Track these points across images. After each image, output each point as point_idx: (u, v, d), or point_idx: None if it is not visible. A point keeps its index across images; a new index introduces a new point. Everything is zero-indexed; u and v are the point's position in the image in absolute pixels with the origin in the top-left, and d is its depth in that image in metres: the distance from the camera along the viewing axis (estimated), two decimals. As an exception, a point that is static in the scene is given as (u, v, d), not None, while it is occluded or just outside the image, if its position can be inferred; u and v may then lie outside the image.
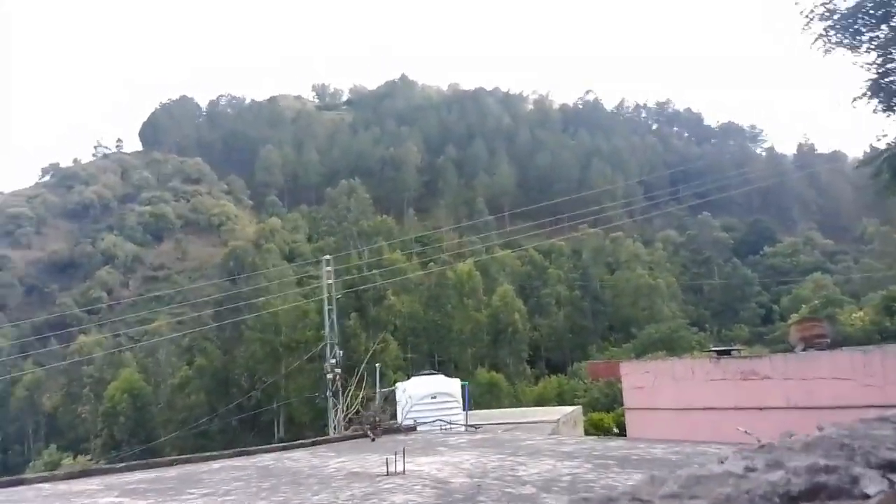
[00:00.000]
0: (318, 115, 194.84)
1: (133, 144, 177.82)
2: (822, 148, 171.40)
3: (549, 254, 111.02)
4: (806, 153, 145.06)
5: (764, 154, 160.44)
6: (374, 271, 67.73)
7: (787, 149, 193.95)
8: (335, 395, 21.52)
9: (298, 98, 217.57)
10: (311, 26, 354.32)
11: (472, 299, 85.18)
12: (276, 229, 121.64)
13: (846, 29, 14.24)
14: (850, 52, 14.54)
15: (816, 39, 14.62)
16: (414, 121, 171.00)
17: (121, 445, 60.14)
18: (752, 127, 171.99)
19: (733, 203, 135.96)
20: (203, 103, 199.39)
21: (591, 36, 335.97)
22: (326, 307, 26.48)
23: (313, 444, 12.69)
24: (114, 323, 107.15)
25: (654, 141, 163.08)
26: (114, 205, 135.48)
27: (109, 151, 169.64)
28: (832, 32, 14.50)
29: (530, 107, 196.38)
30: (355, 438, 13.13)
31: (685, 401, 12.34)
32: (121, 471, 9.21)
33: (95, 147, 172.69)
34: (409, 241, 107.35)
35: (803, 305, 54.04)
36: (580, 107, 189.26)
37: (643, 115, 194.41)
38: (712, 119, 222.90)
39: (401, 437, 12.82)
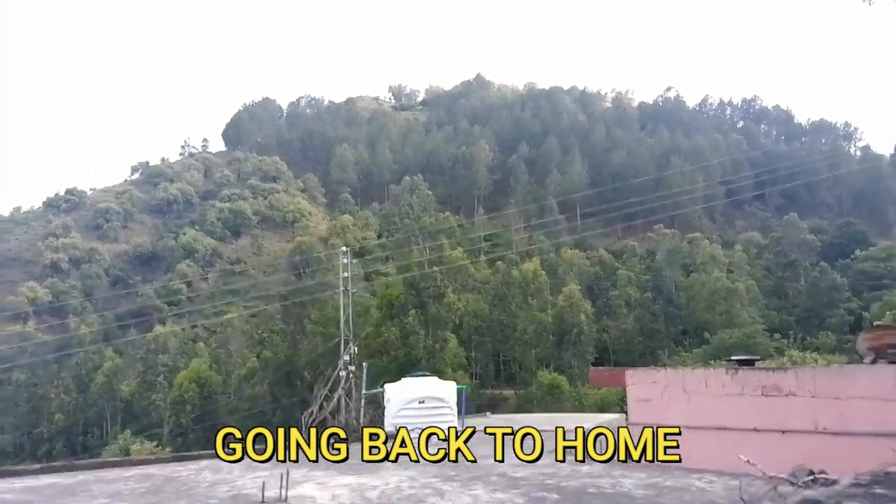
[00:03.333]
0: (394, 115, 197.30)
1: (218, 144, 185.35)
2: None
3: (621, 255, 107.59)
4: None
5: (858, 153, 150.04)
6: (434, 268, 67.03)
7: (885, 148, 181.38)
8: (348, 393, 20.74)
9: (376, 99, 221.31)
10: (390, 26, 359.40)
11: (537, 299, 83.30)
12: (346, 226, 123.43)
13: None
14: None
15: None
16: (487, 120, 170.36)
17: (187, 433, 61.97)
18: (847, 125, 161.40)
19: (823, 205, 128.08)
20: (284, 104, 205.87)
21: (673, 33, 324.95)
22: (342, 301, 25.75)
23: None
24: (191, 314, 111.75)
25: (738, 139, 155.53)
26: (196, 201, 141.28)
27: (195, 151, 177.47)
28: None
29: (608, 105, 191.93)
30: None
31: (696, 418, 10.76)
32: (37, 472, 8.81)
33: (182, 147, 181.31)
34: (476, 238, 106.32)
35: (888, 312, 49.38)
36: (660, 104, 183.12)
37: (728, 112, 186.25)
38: (803, 116, 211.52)
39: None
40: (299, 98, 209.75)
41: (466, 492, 6.58)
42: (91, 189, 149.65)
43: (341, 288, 26.49)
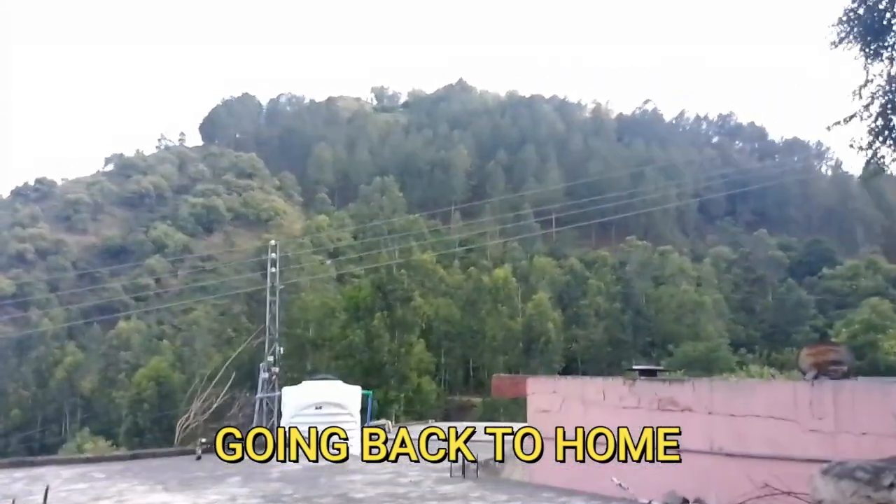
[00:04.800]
0: (374, 116, 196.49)
1: (196, 139, 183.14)
2: (894, 168, 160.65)
3: (593, 264, 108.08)
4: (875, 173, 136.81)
5: (829, 173, 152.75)
6: (401, 271, 66.61)
7: (855, 168, 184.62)
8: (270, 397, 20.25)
9: (357, 100, 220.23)
10: (375, 26, 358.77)
11: (506, 306, 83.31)
12: (322, 226, 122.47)
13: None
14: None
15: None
16: (467, 125, 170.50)
17: (144, 433, 60.67)
18: (819, 144, 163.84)
19: (792, 222, 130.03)
20: (264, 101, 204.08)
21: (652, 46, 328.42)
22: (269, 298, 25.30)
23: (132, 457, 11.52)
24: (159, 311, 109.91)
25: (713, 154, 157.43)
26: (169, 195, 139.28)
27: (171, 144, 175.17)
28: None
29: (587, 115, 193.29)
30: (184, 455, 11.86)
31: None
32: None
33: (159, 140, 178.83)
34: (450, 243, 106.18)
35: (843, 329, 50.16)
36: (637, 116, 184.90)
37: (703, 127, 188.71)
38: (777, 134, 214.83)
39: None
40: (279, 95, 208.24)
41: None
42: (62, 179, 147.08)
43: (268, 285, 25.97)
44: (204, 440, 12.14)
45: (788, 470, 7.81)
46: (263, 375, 21.59)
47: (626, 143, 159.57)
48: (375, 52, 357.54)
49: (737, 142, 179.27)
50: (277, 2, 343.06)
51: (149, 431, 59.09)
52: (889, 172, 12.30)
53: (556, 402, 11.03)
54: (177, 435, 14.04)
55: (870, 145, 11.96)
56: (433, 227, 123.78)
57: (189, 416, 13.97)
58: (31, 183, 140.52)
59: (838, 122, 12.11)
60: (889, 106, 11.39)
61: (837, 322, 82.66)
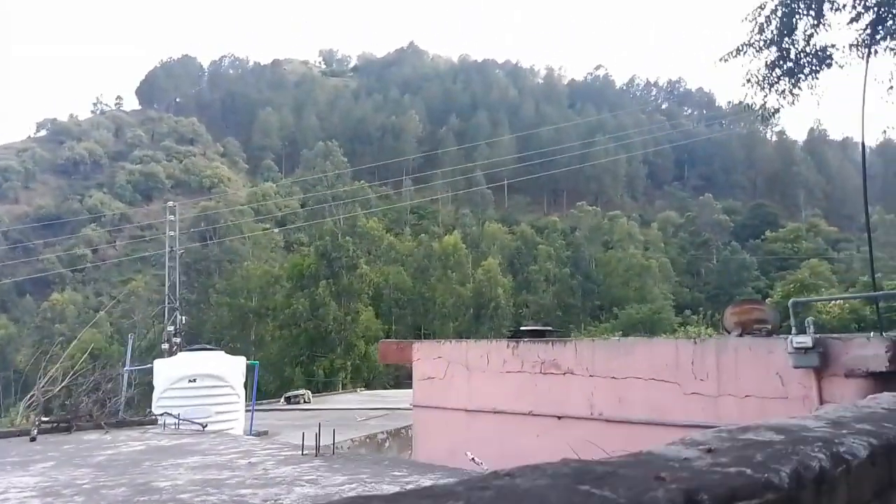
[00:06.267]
0: (322, 80, 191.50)
1: (134, 103, 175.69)
2: (835, 134, 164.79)
3: (543, 230, 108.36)
4: (817, 139, 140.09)
5: (774, 138, 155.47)
6: (347, 238, 65.15)
7: (799, 134, 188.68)
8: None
9: (304, 63, 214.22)
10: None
11: (456, 272, 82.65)
12: (268, 194, 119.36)
13: None
14: None
15: None
16: (418, 90, 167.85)
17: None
18: (764, 109, 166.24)
19: (737, 187, 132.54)
20: (205, 63, 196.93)
21: (607, 10, 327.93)
22: (168, 263, 23.85)
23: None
24: (96, 282, 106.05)
25: (661, 120, 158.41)
26: (105, 162, 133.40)
27: (107, 108, 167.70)
28: None
29: (539, 81, 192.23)
30: (19, 436, 10.60)
31: (475, 400, 9.49)
32: None
33: (94, 104, 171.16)
34: (402, 209, 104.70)
35: (779, 290, 51.08)
36: (589, 82, 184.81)
37: (653, 93, 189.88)
38: (724, 100, 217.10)
39: (92, 436, 10.38)
40: (222, 57, 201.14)
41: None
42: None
43: (167, 249, 24.40)
44: (45, 418, 10.78)
45: (669, 437, 7.06)
46: (164, 346, 19.94)
47: (577, 109, 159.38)
48: (323, 13, 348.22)
49: (685, 108, 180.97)
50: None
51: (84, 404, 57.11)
52: (792, 103, 11.44)
53: (440, 367, 10.05)
54: (19, 413, 12.58)
55: (766, 79, 11.08)
56: (383, 193, 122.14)
57: (34, 394, 12.42)
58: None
59: (731, 54, 11.21)
60: (783, 30, 10.39)
61: (778, 283, 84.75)
